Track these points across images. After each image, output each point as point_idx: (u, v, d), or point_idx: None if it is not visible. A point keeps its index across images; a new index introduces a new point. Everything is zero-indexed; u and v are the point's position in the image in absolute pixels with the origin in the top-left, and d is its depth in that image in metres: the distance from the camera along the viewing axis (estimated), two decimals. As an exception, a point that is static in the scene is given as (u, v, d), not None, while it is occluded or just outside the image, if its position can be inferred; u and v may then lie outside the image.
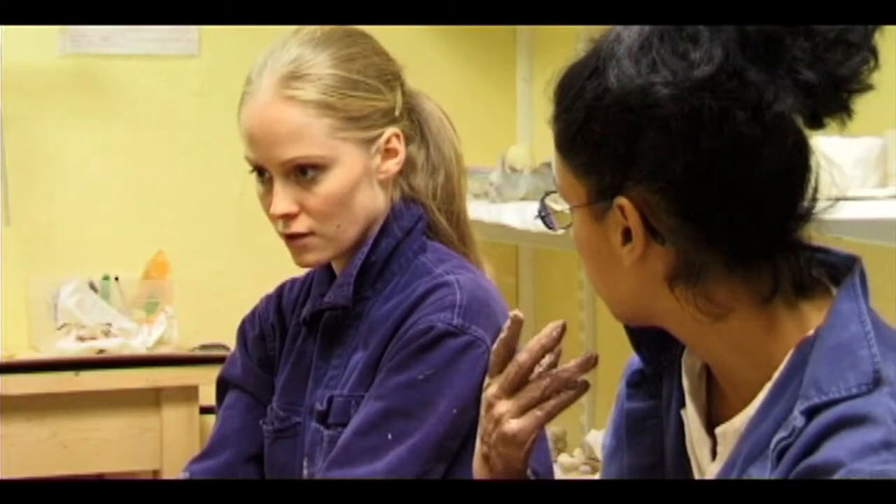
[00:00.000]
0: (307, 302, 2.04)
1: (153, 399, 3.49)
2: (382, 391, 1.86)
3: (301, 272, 2.10)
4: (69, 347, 3.58)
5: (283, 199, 1.90)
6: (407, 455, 1.82)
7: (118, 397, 3.47)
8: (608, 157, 1.35)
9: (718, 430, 1.41)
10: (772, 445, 1.31)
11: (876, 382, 1.28)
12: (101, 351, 3.59)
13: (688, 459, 1.46)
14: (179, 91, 3.97)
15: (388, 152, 1.96)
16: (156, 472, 3.48)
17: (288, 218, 1.91)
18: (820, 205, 1.41)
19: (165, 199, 3.95)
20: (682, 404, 1.46)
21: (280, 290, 2.12)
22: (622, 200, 1.34)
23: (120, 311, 3.78)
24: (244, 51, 2.04)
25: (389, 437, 1.83)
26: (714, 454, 1.42)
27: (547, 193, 1.49)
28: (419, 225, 1.98)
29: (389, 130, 1.95)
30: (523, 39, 4.09)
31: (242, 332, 2.12)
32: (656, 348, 1.49)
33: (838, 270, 1.41)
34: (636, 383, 1.52)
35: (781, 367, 1.35)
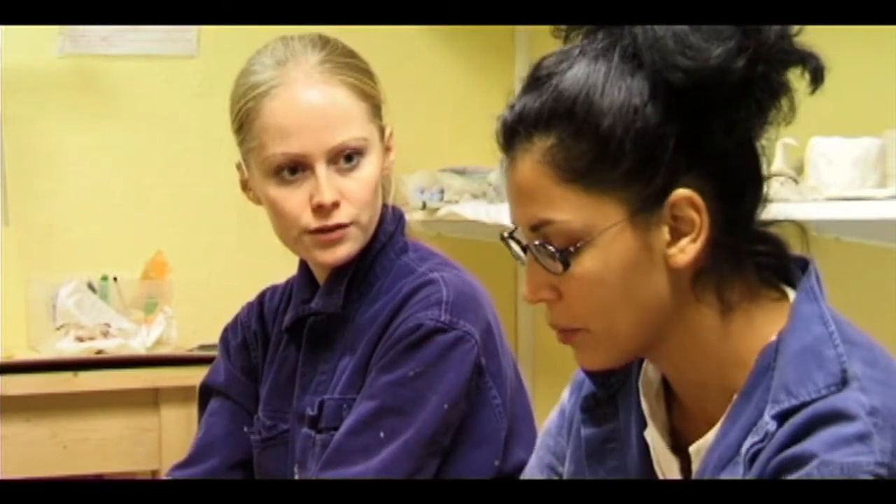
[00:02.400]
0: (289, 309, 2.03)
1: (152, 399, 3.49)
2: (373, 390, 1.86)
3: (281, 279, 2.10)
4: (68, 348, 3.57)
5: (330, 188, 1.88)
6: (400, 452, 1.82)
7: (117, 398, 3.47)
8: (662, 154, 1.31)
9: (692, 448, 1.39)
10: (743, 451, 1.30)
11: (844, 381, 1.28)
12: (99, 351, 3.58)
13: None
14: (178, 91, 3.97)
15: (387, 149, 1.98)
16: (154, 473, 3.47)
17: (334, 207, 1.89)
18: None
19: (164, 200, 3.95)
20: (644, 426, 1.45)
21: (261, 298, 2.12)
22: (683, 193, 1.32)
23: (119, 312, 3.77)
24: (243, 51, 2.02)
25: (382, 435, 1.83)
26: (686, 472, 1.41)
27: (511, 237, 1.40)
28: (399, 226, 1.99)
29: (390, 125, 1.97)
30: (522, 39, 4.09)
31: (225, 341, 2.12)
32: (605, 371, 1.48)
33: (790, 273, 1.41)
34: (590, 408, 1.51)
35: (748, 374, 1.35)
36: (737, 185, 1.35)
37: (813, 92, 1.35)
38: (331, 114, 1.89)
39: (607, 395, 1.49)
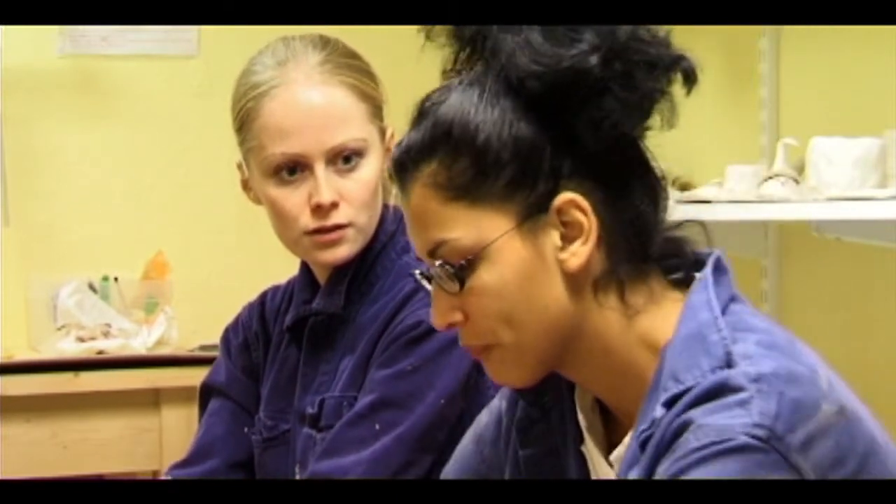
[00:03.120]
0: (290, 309, 2.03)
1: (153, 399, 3.49)
2: (372, 385, 1.87)
3: (281, 279, 2.10)
4: (69, 348, 3.58)
5: (329, 188, 1.89)
6: (393, 444, 1.83)
7: (118, 398, 3.47)
8: (541, 162, 1.34)
9: (613, 457, 1.40)
10: (636, 440, 1.31)
11: (729, 364, 1.28)
12: (100, 352, 3.58)
13: None
14: (179, 91, 3.97)
15: (388, 151, 1.98)
16: (155, 473, 3.47)
17: (332, 208, 1.90)
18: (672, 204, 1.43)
19: (164, 200, 3.95)
20: (581, 441, 1.46)
21: (262, 298, 2.12)
22: (567, 197, 1.34)
23: (119, 312, 3.78)
24: (243, 51, 2.02)
25: (377, 427, 1.84)
26: None
27: (421, 274, 1.43)
28: (400, 226, 1.99)
29: (392, 127, 1.97)
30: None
31: (226, 341, 2.12)
32: (537, 390, 1.48)
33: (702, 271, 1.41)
34: (525, 428, 1.51)
35: (652, 374, 1.35)
36: (621, 186, 1.37)
37: (688, 93, 1.37)
38: (330, 114, 1.89)
39: (541, 414, 1.50)
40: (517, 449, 1.52)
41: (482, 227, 1.35)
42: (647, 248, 1.37)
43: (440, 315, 1.40)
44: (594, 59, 1.32)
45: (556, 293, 1.35)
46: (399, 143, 1.41)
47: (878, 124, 2.58)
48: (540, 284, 1.35)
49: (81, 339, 3.61)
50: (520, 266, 1.35)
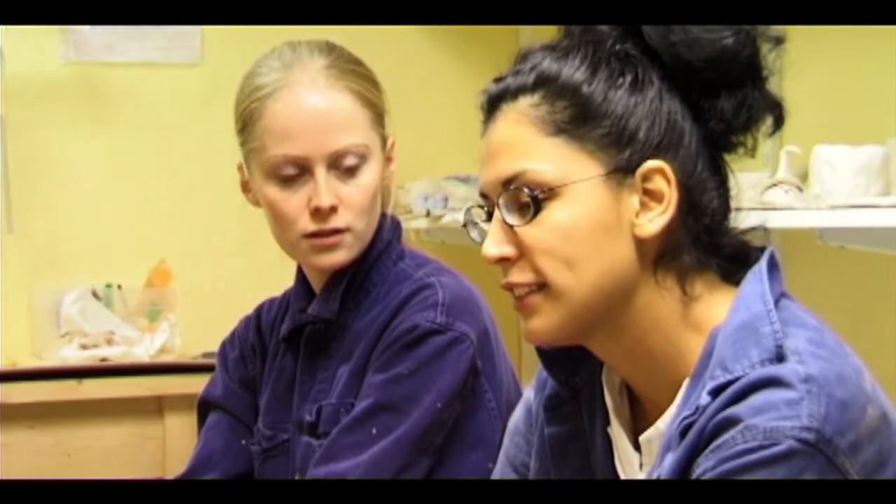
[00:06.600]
0: (286, 319, 2.03)
1: (156, 407, 3.49)
2: (368, 389, 1.87)
3: (284, 287, 2.10)
4: (72, 356, 3.58)
5: (329, 192, 1.89)
6: (390, 448, 1.82)
7: (121, 405, 3.47)
8: (639, 125, 1.35)
9: (643, 438, 1.40)
10: (676, 425, 1.31)
11: (779, 357, 1.28)
12: (103, 359, 3.59)
13: (618, 476, 1.45)
14: (182, 99, 3.97)
15: (388, 160, 1.98)
16: (158, 481, 3.48)
17: (331, 212, 1.90)
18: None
19: (168, 207, 3.95)
20: (608, 422, 1.46)
21: (258, 311, 2.12)
22: (656, 164, 1.35)
23: (123, 320, 3.78)
24: (247, 58, 2.03)
25: (374, 431, 1.83)
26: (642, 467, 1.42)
27: (479, 207, 1.43)
28: (397, 234, 1.99)
29: (393, 135, 1.98)
30: (524, 40, 4.09)
31: (223, 354, 2.12)
32: (569, 370, 1.49)
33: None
34: (553, 407, 1.51)
35: (696, 359, 1.35)
36: (709, 176, 1.38)
37: (770, 135, 1.41)
38: (333, 118, 1.90)
39: (570, 395, 1.50)
40: (544, 427, 1.52)
41: (571, 166, 1.35)
42: (716, 242, 1.38)
43: (495, 244, 1.38)
44: (749, 50, 1.36)
45: (621, 253, 1.35)
46: (497, 79, 1.42)
47: (882, 132, 2.58)
48: (609, 239, 1.35)
49: (85, 347, 3.61)
50: (596, 214, 1.35)
